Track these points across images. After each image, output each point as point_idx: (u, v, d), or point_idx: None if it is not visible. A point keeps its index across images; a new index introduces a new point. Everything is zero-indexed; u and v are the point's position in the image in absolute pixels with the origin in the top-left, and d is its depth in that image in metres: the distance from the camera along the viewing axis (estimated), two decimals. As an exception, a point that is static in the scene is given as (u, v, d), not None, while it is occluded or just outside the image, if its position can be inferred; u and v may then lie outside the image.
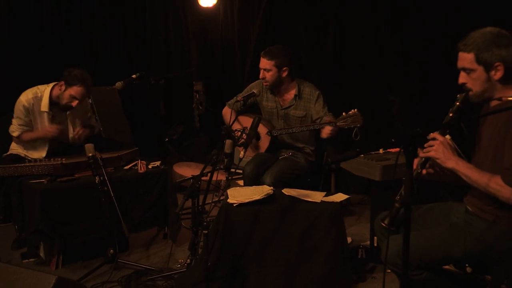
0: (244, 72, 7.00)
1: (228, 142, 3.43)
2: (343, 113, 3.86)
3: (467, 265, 2.58)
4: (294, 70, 4.40)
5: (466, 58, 2.46)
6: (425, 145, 2.50)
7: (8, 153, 4.46)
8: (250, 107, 4.58)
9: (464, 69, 2.49)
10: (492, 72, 2.41)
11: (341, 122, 3.85)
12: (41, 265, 3.91)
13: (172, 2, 7.22)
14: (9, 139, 4.46)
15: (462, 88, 2.51)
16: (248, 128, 4.26)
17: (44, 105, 4.30)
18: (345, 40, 5.92)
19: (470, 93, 2.48)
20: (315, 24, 6.13)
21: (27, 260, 4.00)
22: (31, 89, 4.34)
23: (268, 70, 4.28)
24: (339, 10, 5.89)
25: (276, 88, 4.39)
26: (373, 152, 3.96)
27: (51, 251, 3.88)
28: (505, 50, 2.38)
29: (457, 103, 2.49)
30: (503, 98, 2.28)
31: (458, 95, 2.51)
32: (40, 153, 4.38)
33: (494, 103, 2.50)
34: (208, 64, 7.47)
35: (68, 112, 4.44)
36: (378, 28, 5.54)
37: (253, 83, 4.58)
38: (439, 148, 2.44)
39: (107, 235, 3.80)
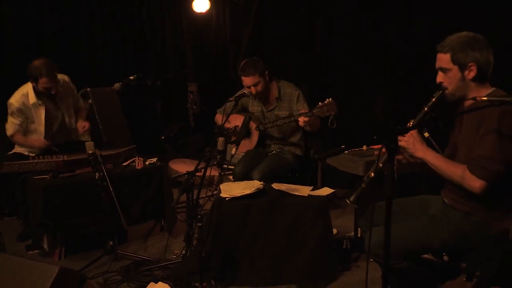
0: (236, 73, 7.00)
1: (220, 139, 3.44)
2: (319, 103, 3.88)
3: (444, 254, 2.61)
4: (271, 72, 4.41)
5: (443, 59, 2.52)
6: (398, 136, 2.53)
7: (12, 151, 4.46)
8: (241, 111, 4.58)
9: (441, 69, 2.55)
10: (466, 72, 2.47)
11: (317, 111, 3.88)
12: (44, 256, 3.92)
13: (169, 8, 7.22)
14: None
15: (439, 86, 2.56)
16: (239, 127, 4.27)
17: (32, 97, 4.31)
18: (333, 41, 5.94)
19: (446, 91, 2.54)
20: (304, 26, 6.14)
21: (31, 252, 4.01)
22: (16, 91, 4.36)
23: (256, 84, 4.28)
24: (326, 13, 5.91)
25: (265, 94, 4.40)
26: (357, 149, 3.98)
27: (54, 243, 3.90)
28: (479, 52, 2.44)
29: (433, 100, 2.54)
30: (477, 98, 2.30)
31: (435, 92, 2.56)
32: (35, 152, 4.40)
33: (468, 103, 2.53)
34: (202, 66, 7.49)
35: (56, 100, 4.46)
36: (363, 30, 5.56)
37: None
38: (409, 139, 2.51)
39: (106, 228, 3.80)
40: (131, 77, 4.63)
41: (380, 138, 2.09)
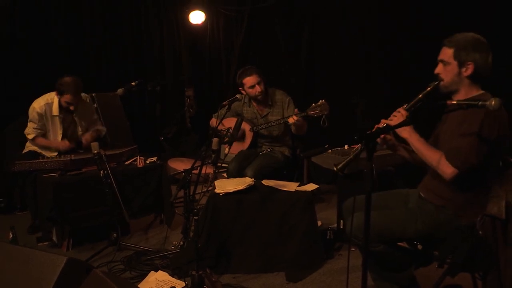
0: (229, 78, 7.03)
1: (215, 140, 3.43)
2: (312, 104, 3.89)
3: (418, 243, 2.62)
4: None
5: (446, 52, 2.51)
6: (391, 115, 2.56)
7: (25, 150, 4.43)
8: (234, 116, 4.57)
9: (442, 61, 2.53)
10: (464, 69, 2.46)
11: (311, 112, 3.88)
12: (53, 248, 3.90)
13: (167, 20, 7.21)
14: (25, 138, 4.44)
15: (436, 77, 2.55)
16: (232, 128, 4.26)
17: (55, 109, 4.31)
18: (317, 49, 5.94)
19: (442, 82, 2.52)
20: (291, 36, 6.15)
21: (41, 243, 4.00)
22: (41, 97, 4.35)
23: (259, 82, 4.29)
24: (312, 24, 5.92)
25: (265, 96, 4.39)
26: (339, 148, 3.99)
27: (62, 235, 3.88)
28: (479, 54, 2.43)
29: (428, 89, 2.54)
30: (448, 102, 2.31)
31: (431, 83, 2.55)
32: (52, 153, 4.38)
33: (451, 102, 2.53)
34: (198, 72, 7.50)
35: (74, 114, 4.44)
36: (345, 40, 5.57)
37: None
38: (399, 120, 2.50)
39: (110, 221, 3.79)
40: (133, 83, 4.60)
41: (360, 138, 2.10)
